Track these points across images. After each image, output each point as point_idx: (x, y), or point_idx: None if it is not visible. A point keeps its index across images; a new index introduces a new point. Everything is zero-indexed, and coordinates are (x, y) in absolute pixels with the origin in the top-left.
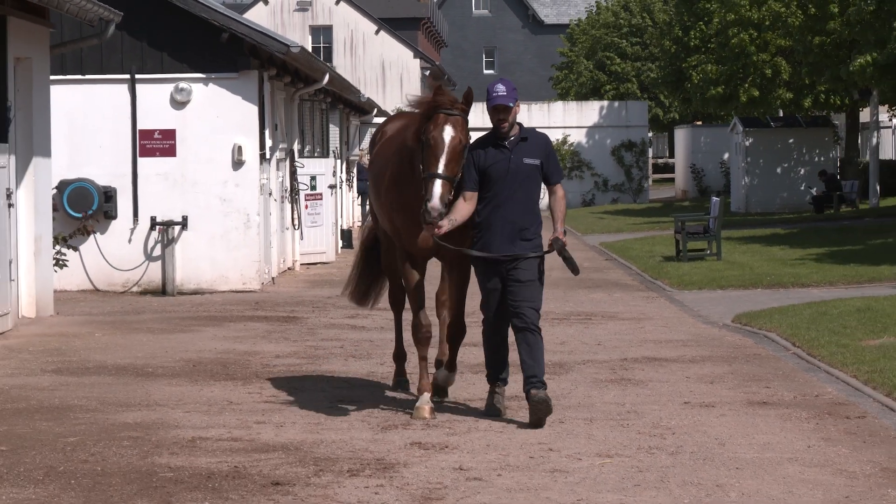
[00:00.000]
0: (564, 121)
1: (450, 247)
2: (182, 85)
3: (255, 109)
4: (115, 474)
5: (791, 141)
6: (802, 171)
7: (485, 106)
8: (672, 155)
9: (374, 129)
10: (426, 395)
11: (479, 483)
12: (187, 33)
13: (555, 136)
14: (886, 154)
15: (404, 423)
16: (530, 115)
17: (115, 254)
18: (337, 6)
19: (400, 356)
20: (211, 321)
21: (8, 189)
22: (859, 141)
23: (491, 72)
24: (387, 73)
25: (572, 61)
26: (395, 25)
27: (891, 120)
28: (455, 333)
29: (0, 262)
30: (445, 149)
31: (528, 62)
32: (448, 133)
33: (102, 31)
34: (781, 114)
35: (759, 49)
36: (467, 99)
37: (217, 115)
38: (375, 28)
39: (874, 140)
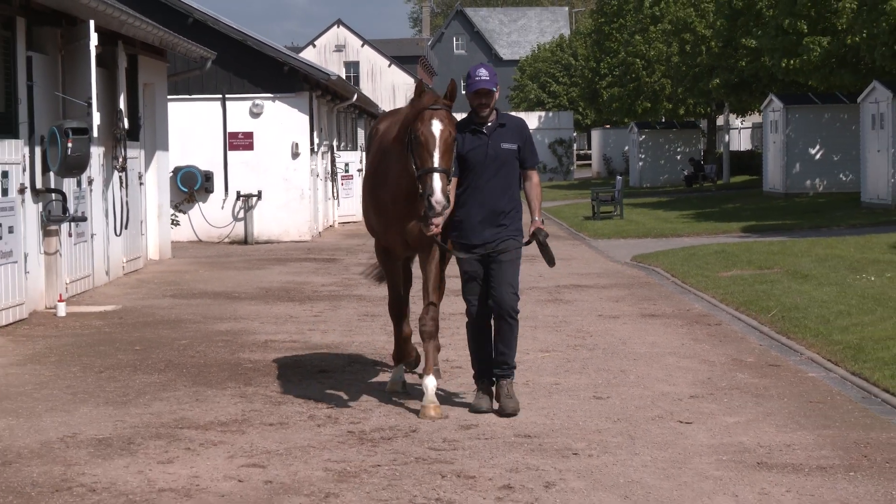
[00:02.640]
0: None
1: (445, 247)
2: (257, 101)
3: (306, 118)
4: (213, 365)
5: (671, 137)
6: (679, 158)
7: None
8: (589, 148)
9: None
10: (431, 388)
11: (460, 370)
12: (261, 66)
13: None
14: (735, 147)
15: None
16: None
17: (212, 216)
18: (362, 48)
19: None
20: (277, 262)
21: (140, 173)
22: (716, 138)
23: (463, 93)
24: (396, 93)
25: (522, 84)
26: (402, 61)
27: (739, 121)
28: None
29: (134, 222)
30: (437, 142)
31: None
32: (437, 127)
33: (202, 66)
34: (664, 119)
35: (648, 75)
36: (451, 94)
37: (281, 121)
38: (388, 63)
39: (726, 137)
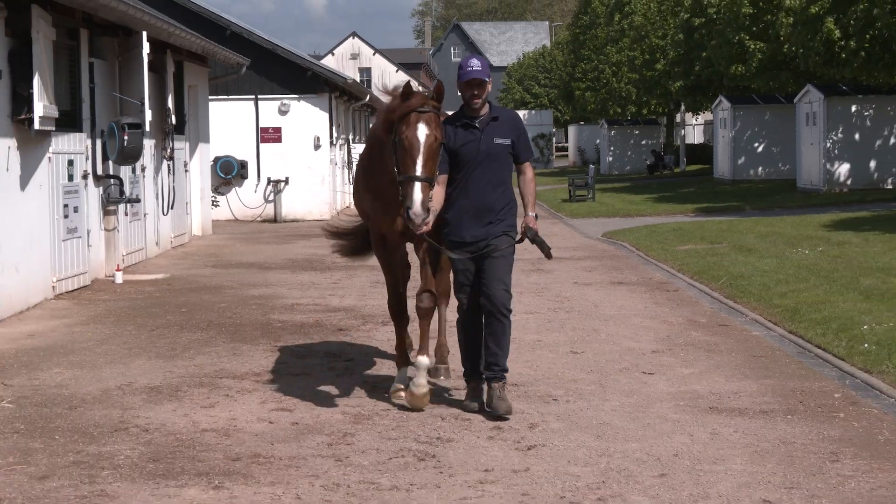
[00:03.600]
0: None
1: (434, 244)
2: (285, 101)
3: (326, 115)
4: (248, 325)
5: (636, 132)
6: (642, 150)
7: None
8: (566, 141)
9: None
10: (422, 368)
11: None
12: (288, 71)
13: None
14: (690, 140)
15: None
16: None
17: (247, 198)
18: (374, 56)
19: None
20: (302, 237)
21: (185, 162)
22: (674, 132)
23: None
24: None
25: (510, 87)
26: (408, 67)
27: (694, 118)
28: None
29: (180, 203)
30: (422, 149)
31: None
32: (423, 132)
33: (238, 70)
34: (629, 117)
35: (617, 81)
36: (439, 94)
37: (304, 118)
38: (396, 69)
39: (683, 132)
